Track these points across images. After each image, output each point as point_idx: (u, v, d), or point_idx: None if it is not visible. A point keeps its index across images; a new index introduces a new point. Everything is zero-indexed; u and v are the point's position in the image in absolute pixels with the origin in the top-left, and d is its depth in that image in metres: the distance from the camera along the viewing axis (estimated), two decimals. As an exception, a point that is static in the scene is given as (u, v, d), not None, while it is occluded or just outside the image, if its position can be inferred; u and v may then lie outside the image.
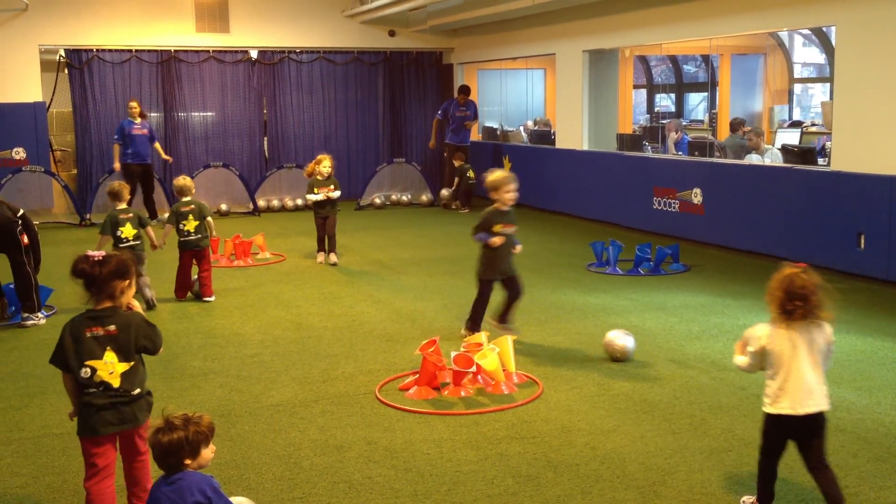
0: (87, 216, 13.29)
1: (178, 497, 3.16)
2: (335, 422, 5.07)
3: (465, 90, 14.86)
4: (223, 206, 14.32)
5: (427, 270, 9.46)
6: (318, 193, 9.62)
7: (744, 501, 3.98)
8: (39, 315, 7.44)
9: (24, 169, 13.20)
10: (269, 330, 7.14)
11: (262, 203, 14.63)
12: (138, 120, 13.05)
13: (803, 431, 3.74)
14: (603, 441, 4.72)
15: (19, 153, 13.62)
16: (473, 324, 6.71)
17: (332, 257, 9.75)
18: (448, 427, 4.97)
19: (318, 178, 9.69)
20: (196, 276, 8.33)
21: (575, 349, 6.44)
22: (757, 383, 5.60)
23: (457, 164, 14.44)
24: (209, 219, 8.43)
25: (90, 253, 3.83)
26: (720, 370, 5.88)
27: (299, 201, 14.91)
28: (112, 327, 3.71)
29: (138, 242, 7.89)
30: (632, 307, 7.66)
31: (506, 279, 6.70)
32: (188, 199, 8.41)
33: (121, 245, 7.75)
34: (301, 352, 6.51)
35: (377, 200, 15.04)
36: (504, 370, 5.64)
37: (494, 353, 5.53)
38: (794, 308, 3.76)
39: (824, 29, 13.42)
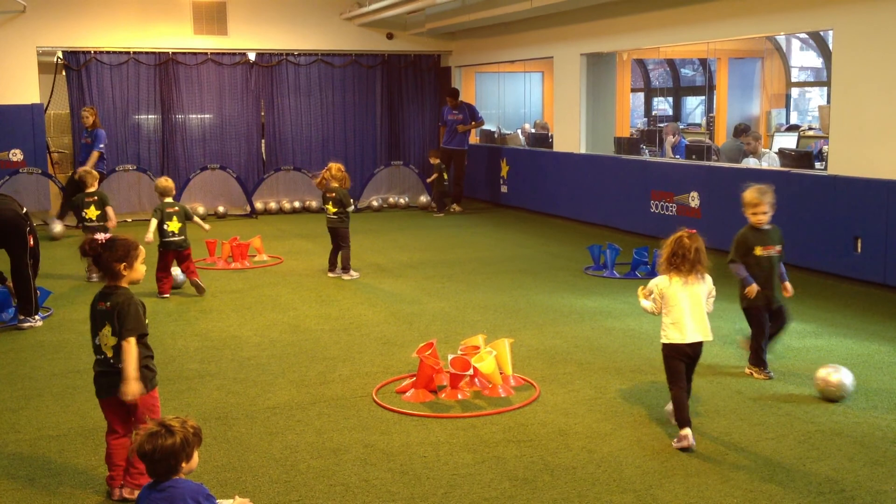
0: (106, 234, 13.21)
1: None
2: (332, 424, 5.06)
3: (452, 93, 14.80)
4: (220, 209, 14.31)
5: (424, 273, 9.46)
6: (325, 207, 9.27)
7: (674, 442, 4.69)
8: (36, 317, 7.42)
9: (21, 171, 13.19)
10: (266, 332, 7.13)
11: (259, 205, 14.62)
12: (88, 129, 12.79)
13: (689, 355, 4.83)
14: (600, 444, 4.72)
15: (17, 155, 13.61)
16: (757, 358, 5.80)
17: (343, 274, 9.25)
18: (445, 430, 4.96)
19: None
20: (176, 273, 8.75)
21: (572, 352, 6.44)
22: (753, 387, 5.60)
23: (433, 161, 14.34)
24: (196, 218, 8.89)
25: (97, 236, 4.16)
26: (717, 374, 5.88)
27: (297, 204, 14.92)
28: (108, 304, 4.14)
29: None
30: (629, 310, 7.66)
31: (772, 310, 5.82)
32: (170, 200, 8.74)
33: (85, 224, 9.07)
34: (298, 354, 6.50)
35: (375, 203, 15.04)
36: (501, 373, 5.64)
37: (491, 356, 5.53)
38: (680, 262, 4.77)
39: (822, 33, 13.44)
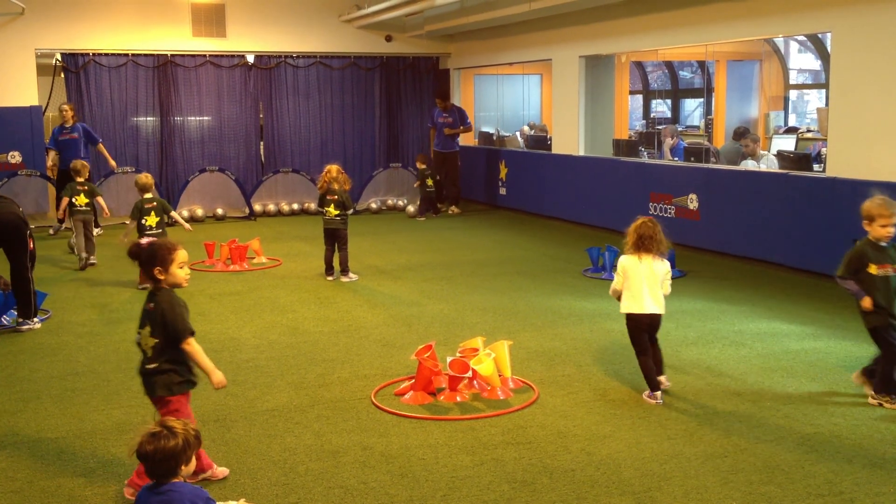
0: (99, 229, 13.24)
1: None
2: (331, 427, 5.06)
3: (442, 94, 14.78)
4: (219, 211, 14.31)
5: (423, 275, 9.46)
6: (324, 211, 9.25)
7: (644, 395, 5.46)
8: (35, 320, 7.42)
9: (19, 173, 13.18)
10: (264, 335, 7.13)
11: (258, 207, 14.61)
12: (69, 125, 12.76)
13: (648, 325, 5.47)
14: (598, 446, 4.72)
15: (15, 157, 13.60)
16: (887, 384, 5.28)
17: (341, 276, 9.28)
18: (444, 432, 4.96)
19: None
20: None
21: (571, 354, 6.44)
22: (752, 389, 5.61)
23: (420, 167, 14.28)
24: (173, 213, 9.31)
25: (142, 240, 4.19)
26: (716, 376, 5.89)
27: (295, 206, 14.92)
28: (151, 304, 4.26)
29: (88, 210, 10.06)
30: (628, 313, 7.66)
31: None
32: (150, 195, 9.13)
33: (73, 208, 10.04)
34: (297, 356, 6.50)
35: (373, 205, 15.04)
36: (500, 375, 5.64)
37: (490, 359, 5.53)
38: (642, 245, 5.47)
39: (820, 35, 13.46)
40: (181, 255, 4.30)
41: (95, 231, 11.43)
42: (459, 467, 4.48)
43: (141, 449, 3.13)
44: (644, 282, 5.42)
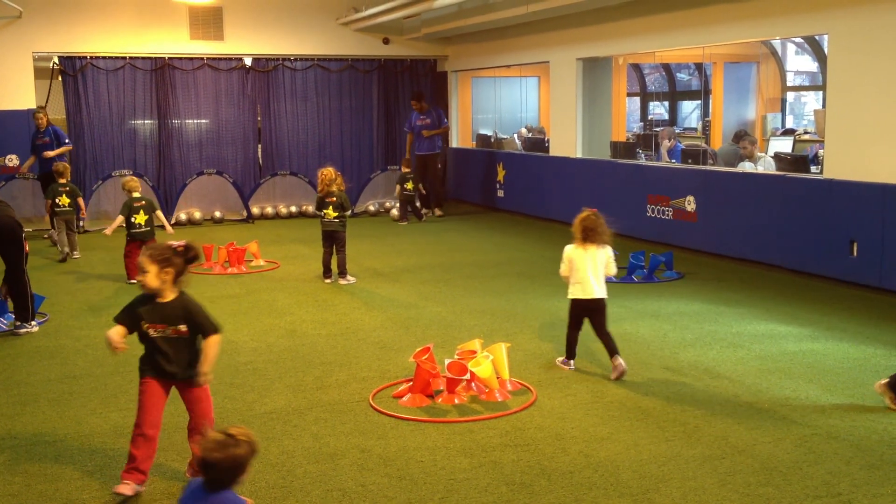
0: (81, 223, 13.26)
1: None
2: (329, 429, 5.06)
3: (417, 97, 14.70)
4: (217, 214, 14.31)
5: (421, 278, 9.46)
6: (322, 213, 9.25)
7: (557, 361, 6.17)
8: (33, 323, 7.40)
9: (16, 176, 13.18)
10: (262, 337, 7.13)
11: (255, 210, 14.61)
12: (42, 129, 12.79)
13: (591, 309, 5.99)
14: (597, 448, 4.72)
15: (13, 160, 13.60)
16: None
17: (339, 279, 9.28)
18: (442, 435, 4.96)
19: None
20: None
21: (569, 356, 6.44)
22: (750, 391, 5.61)
23: (405, 169, 14.13)
24: (158, 212, 9.69)
25: (172, 243, 4.44)
26: (714, 378, 5.89)
27: (293, 208, 14.92)
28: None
29: (70, 209, 10.84)
30: (625, 314, 7.67)
31: None
32: (138, 195, 9.53)
33: (56, 210, 10.74)
34: (295, 359, 6.50)
35: (371, 208, 15.04)
36: (498, 377, 5.64)
37: (488, 361, 5.53)
38: (592, 235, 6.01)
39: (817, 37, 13.48)
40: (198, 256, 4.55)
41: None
42: (457, 469, 4.48)
43: (208, 457, 3.05)
44: (589, 270, 5.99)
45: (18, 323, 7.34)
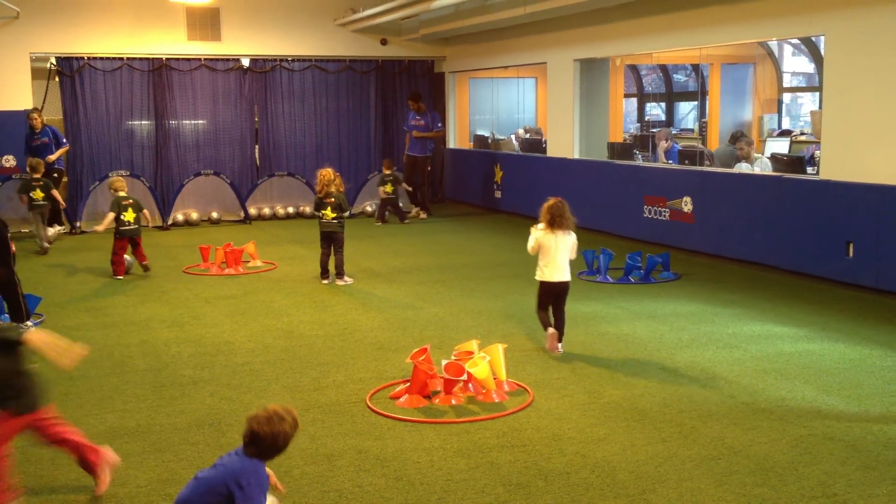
0: (78, 224, 13.25)
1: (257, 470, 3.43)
2: (326, 430, 5.06)
3: (415, 97, 14.70)
4: (214, 214, 14.30)
5: (418, 278, 9.46)
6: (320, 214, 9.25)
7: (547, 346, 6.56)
8: (28, 323, 7.38)
9: (13, 177, 13.16)
10: (259, 338, 7.13)
11: (253, 211, 14.61)
12: (38, 130, 12.95)
13: (557, 292, 6.56)
14: (593, 449, 4.73)
15: (9, 161, 13.57)
16: None
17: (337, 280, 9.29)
18: (439, 435, 4.97)
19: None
20: (129, 257, 9.96)
21: (565, 357, 6.45)
22: (746, 392, 5.62)
23: (385, 171, 14.03)
24: (145, 210, 10.22)
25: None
26: (710, 378, 5.90)
27: (290, 209, 14.92)
28: None
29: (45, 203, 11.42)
30: (622, 315, 7.68)
31: None
32: (124, 194, 10.04)
33: (32, 203, 11.37)
34: (292, 360, 6.50)
35: (368, 209, 15.04)
36: (495, 378, 5.64)
37: (485, 362, 5.54)
38: (558, 221, 6.43)
39: (814, 38, 13.50)
40: None
41: (56, 229, 12.54)
42: (454, 470, 4.48)
43: (258, 430, 3.38)
44: (557, 253, 6.49)
45: (14, 324, 7.32)
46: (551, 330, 6.54)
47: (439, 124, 15.02)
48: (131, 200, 9.92)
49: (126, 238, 9.76)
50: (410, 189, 14.60)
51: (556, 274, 6.53)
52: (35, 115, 13.01)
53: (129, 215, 9.78)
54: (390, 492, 4.25)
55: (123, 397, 5.72)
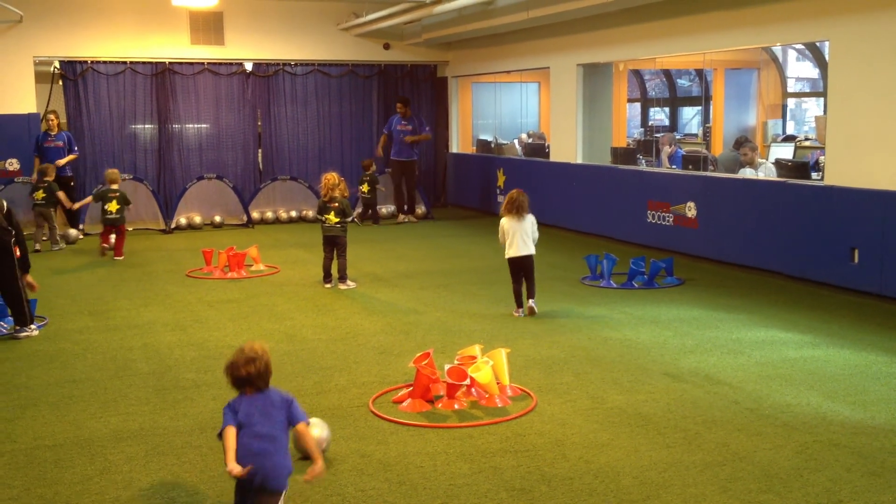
0: (81, 227, 13.25)
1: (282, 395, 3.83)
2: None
3: (404, 101, 14.73)
4: (217, 218, 14.30)
5: (421, 283, 9.45)
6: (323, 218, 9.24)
7: (513, 313, 7.84)
8: (32, 327, 7.39)
9: (16, 180, 13.17)
10: (263, 342, 7.10)
11: (255, 215, 14.62)
12: (54, 132, 13.08)
13: (523, 265, 7.76)
14: (597, 455, 4.71)
15: (13, 164, 13.59)
16: None
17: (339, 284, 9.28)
18: (442, 440, 4.95)
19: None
20: (107, 244, 11.11)
21: (569, 362, 6.44)
22: (751, 397, 5.60)
23: (364, 171, 14.11)
24: (132, 206, 11.75)
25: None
26: (714, 384, 5.88)
27: (293, 213, 14.92)
28: None
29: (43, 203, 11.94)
30: (626, 320, 7.66)
31: None
32: (115, 187, 11.12)
33: (35, 204, 12.00)
34: (294, 364, 6.49)
35: (370, 213, 15.04)
36: (498, 383, 5.63)
37: (488, 366, 5.52)
38: (515, 209, 7.70)
39: (818, 44, 13.49)
40: None
41: (76, 232, 12.87)
42: (457, 475, 4.46)
43: (243, 373, 3.73)
44: (519, 234, 7.71)
45: (18, 327, 7.32)
46: (520, 312, 7.80)
47: (426, 128, 15.00)
48: (118, 194, 11.08)
49: (108, 226, 11.07)
50: (384, 189, 14.67)
51: (519, 250, 7.72)
52: (52, 117, 13.13)
53: (112, 206, 10.99)
54: (393, 496, 4.24)
55: (126, 400, 5.71)
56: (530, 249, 7.76)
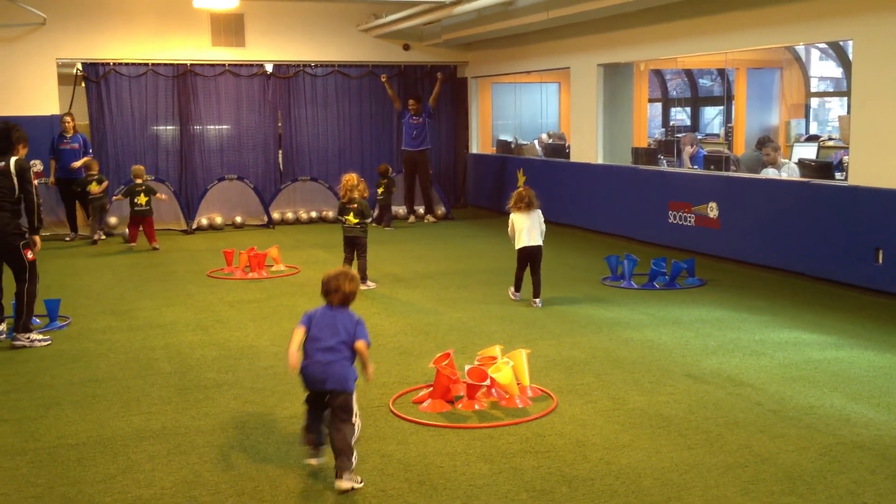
0: (103, 227, 13.33)
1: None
2: (349, 434, 5.05)
3: (416, 98, 14.76)
4: (238, 219, 14.36)
5: (441, 283, 9.45)
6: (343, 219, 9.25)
7: (509, 291, 8.64)
8: (29, 336, 7.16)
9: (39, 181, 13.28)
10: (283, 342, 7.12)
11: (276, 216, 14.67)
12: (69, 134, 13.21)
13: (531, 254, 8.27)
14: (618, 456, 4.69)
15: (36, 166, 13.67)
16: None
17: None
18: (462, 440, 4.94)
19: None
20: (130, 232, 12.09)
21: (590, 363, 6.41)
22: (774, 399, 5.56)
23: (383, 177, 14.02)
24: (159, 193, 12.34)
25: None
26: (736, 385, 5.84)
27: (313, 214, 14.96)
28: None
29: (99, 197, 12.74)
30: (647, 321, 7.62)
31: None
32: (140, 181, 12.03)
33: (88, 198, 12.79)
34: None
35: (401, 212, 15.06)
36: (518, 384, 5.61)
37: (509, 367, 5.51)
38: (524, 204, 8.28)
39: (841, 43, 13.37)
40: None
41: (117, 219, 13.43)
42: (477, 476, 4.46)
43: (343, 286, 4.58)
44: (526, 227, 8.25)
45: (15, 335, 7.16)
46: (519, 296, 8.50)
47: (428, 107, 14.92)
48: (144, 187, 11.98)
49: (138, 217, 11.95)
50: (396, 190, 14.53)
51: (529, 240, 8.23)
52: (68, 119, 13.29)
53: (141, 199, 11.90)
54: (413, 496, 4.23)
55: (149, 400, 5.75)
56: (539, 241, 8.28)
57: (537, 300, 8.27)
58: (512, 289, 8.58)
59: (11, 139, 7.20)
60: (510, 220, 8.40)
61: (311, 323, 4.58)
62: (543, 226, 8.37)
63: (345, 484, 4.26)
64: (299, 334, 4.55)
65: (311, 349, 4.50)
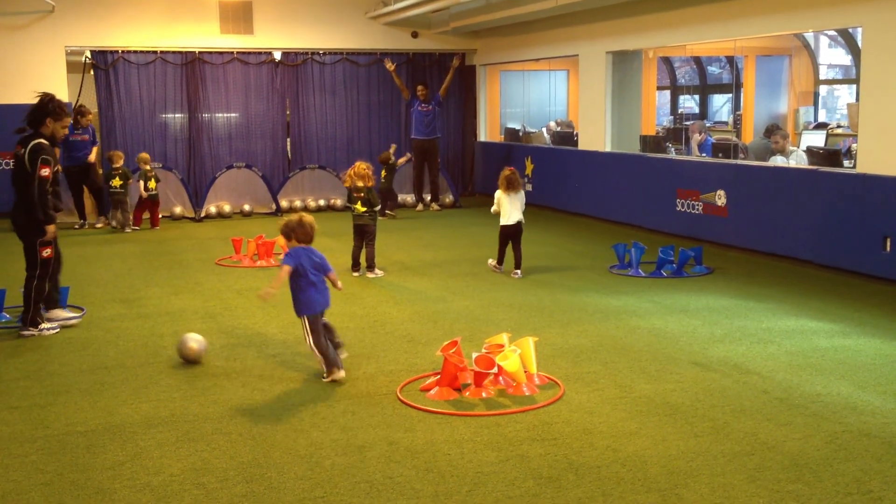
0: (109, 215, 13.38)
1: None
2: (357, 422, 5.08)
3: (424, 84, 14.78)
4: (246, 207, 14.39)
5: (449, 272, 9.46)
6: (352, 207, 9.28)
7: (489, 263, 9.40)
8: (32, 329, 7.12)
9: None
10: (290, 330, 7.16)
11: (284, 204, 14.69)
12: (80, 127, 13.29)
13: (513, 232, 9.02)
14: (624, 443, 4.70)
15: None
16: None
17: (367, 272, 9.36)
18: (469, 428, 4.97)
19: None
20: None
21: (597, 351, 6.42)
22: (780, 387, 5.56)
23: (384, 164, 13.88)
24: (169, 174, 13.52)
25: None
26: (743, 373, 5.84)
27: (322, 202, 14.98)
28: None
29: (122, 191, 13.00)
30: (654, 309, 7.62)
31: None
32: (148, 167, 12.94)
33: (111, 191, 13.02)
34: (323, 352, 6.52)
35: (409, 199, 15.06)
36: (525, 371, 5.63)
37: (516, 355, 5.53)
38: (510, 185, 8.93)
39: (850, 30, 13.30)
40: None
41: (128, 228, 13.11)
42: (485, 463, 4.48)
43: (304, 230, 5.90)
44: (511, 206, 8.97)
45: (22, 325, 7.16)
46: (500, 268, 9.23)
47: (437, 96, 14.94)
48: (154, 172, 13.06)
49: (148, 200, 12.93)
50: (403, 160, 14.52)
51: (511, 218, 8.97)
52: (90, 116, 13.50)
53: (152, 183, 12.92)
54: (420, 483, 4.26)
55: (158, 387, 5.78)
56: (520, 218, 9.04)
57: (518, 271, 8.99)
58: (494, 261, 9.26)
59: (47, 110, 7.28)
60: (497, 199, 9.06)
61: (299, 260, 5.87)
62: (524, 205, 9.15)
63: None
64: (286, 272, 5.85)
65: (305, 285, 5.88)
